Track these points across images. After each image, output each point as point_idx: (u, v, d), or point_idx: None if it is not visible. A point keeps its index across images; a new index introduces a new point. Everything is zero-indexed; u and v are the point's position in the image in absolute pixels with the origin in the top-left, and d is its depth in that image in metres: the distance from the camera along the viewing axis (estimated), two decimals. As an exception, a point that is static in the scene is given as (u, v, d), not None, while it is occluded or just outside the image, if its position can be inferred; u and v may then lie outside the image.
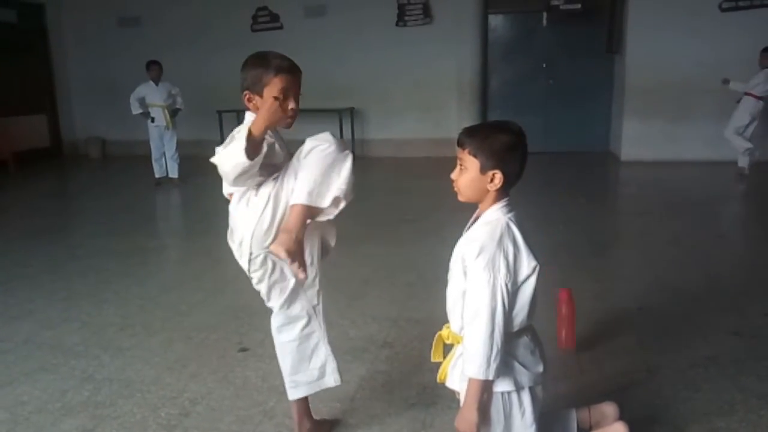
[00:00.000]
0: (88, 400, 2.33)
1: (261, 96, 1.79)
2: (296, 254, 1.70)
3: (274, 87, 1.77)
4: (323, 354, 1.99)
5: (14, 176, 8.07)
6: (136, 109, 6.96)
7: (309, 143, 1.82)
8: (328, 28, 8.99)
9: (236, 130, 1.74)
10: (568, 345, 2.65)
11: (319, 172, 1.76)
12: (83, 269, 3.96)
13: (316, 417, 2.08)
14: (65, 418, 2.22)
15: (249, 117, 1.83)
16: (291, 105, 1.80)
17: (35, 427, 2.17)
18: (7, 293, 3.53)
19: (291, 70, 1.80)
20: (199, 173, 7.00)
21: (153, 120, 7.02)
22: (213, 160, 1.73)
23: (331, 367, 2.00)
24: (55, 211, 6.15)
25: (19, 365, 2.65)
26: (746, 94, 6.71)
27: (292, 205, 1.74)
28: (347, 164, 1.81)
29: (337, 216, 1.90)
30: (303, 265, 1.74)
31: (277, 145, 1.86)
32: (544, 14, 8.79)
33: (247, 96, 1.83)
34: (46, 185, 7.82)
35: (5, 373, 2.58)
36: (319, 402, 2.26)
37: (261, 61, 1.80)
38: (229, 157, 1.67)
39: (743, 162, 6.86)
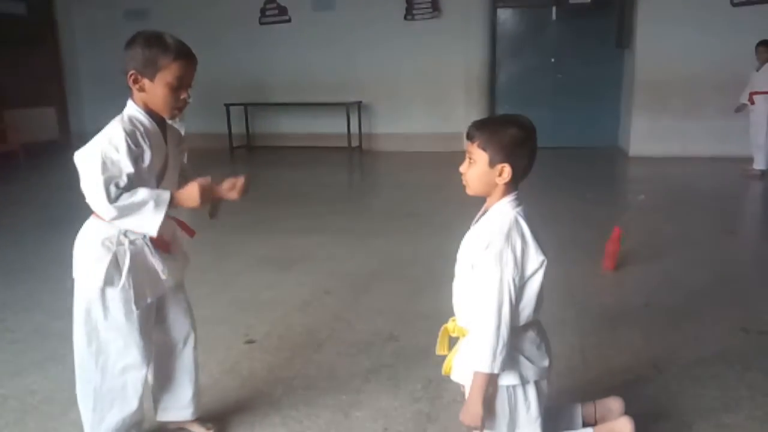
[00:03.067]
0: (96, 390, 2.34)
1: (152, 80, 1.65)
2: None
3: (169, 73, 1.64)
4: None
5: (23, 168, 8.12)
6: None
7: None
8: (336, 22, 8.98)
9: (112, 135, 1.62)
10: (608, 267, 3.61)
11: None
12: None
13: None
14: (74, 407, 2.21)
15: (131, 105, 1.71)
16: (183, 95, 1.69)
17: (44, 416, 2.19)
18: (17, 284, 3.56)
19: (190, 56, 1.67)
20: (207, 166, 7.01)
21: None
22: (105, 211, 1.60)
23: None
24: (64, 203, 6.17)
25: (29, 355, 2.67)
26: (754, 94, 6.60)
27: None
28: None
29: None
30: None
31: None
32: (554, 8, 8.74)
33: (134, 76, 1.65)
34: (55, 177, 7.86)
35: (15, 363, 2.60)
36: (326, 395, 2.28)
37: (157, 41, 1.64)
38: (136, 220, 1.62)
39: (760, 164, 6.69)
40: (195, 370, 2.02)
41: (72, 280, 1.82)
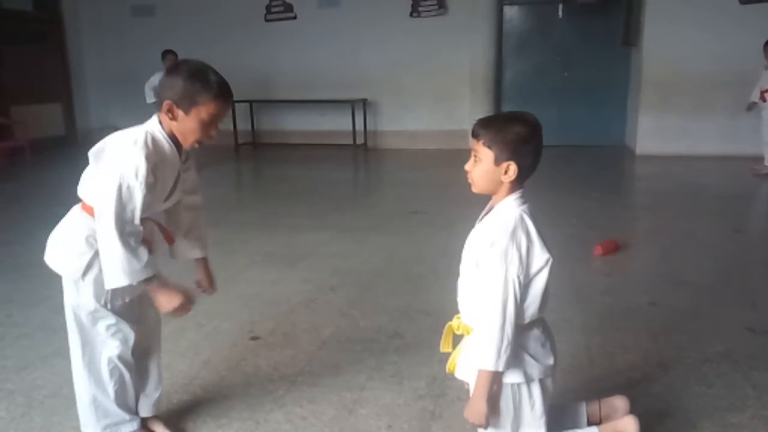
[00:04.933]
0: (101, 385, 2.36)
1: (186, 113, 1.64)
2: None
3: (206, 110, 1.63)
4: None
5: (30, 164, 8.15)
6: (150, 98, 6.99)
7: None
8: (342, 19, 8.97)
9: (133, 158, 1.59)
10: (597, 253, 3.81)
11: None
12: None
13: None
14: (79, 402, 2.25)
15: (156, 126, 1.69)
16: (213, 132, 1.69)
17: (50, 410, 2.21)
18: (23, 280, 3.58)
19: (229, 96, 1.67)
20: (212, 163, 7.06)
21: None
22: (107, 227, 1.60)
23: None
24: (70, 199, 6.19)
25: (35, 350, 2.69)
26: (766, 91, 6.54)
27: None
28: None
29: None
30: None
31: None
32: (560, 6, 8.71)
33: (169, 106, 1.64)
34: (61, 174, 7.88)
35: (22, 358, 2.62)
36: (330, 391, 2.28)
37: (201, 76, 1.62)
38: (112, 260, 1.62)
39: None
40: (159, 364, 2.04)
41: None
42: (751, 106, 6.78)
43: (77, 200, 1.84)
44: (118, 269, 1.61)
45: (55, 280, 1.90)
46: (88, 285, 1.76)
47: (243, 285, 3.44)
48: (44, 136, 9.11)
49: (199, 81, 1.62)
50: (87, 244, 1.73)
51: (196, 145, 1.73)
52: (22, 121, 8.49)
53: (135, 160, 1.60)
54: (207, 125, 1.67)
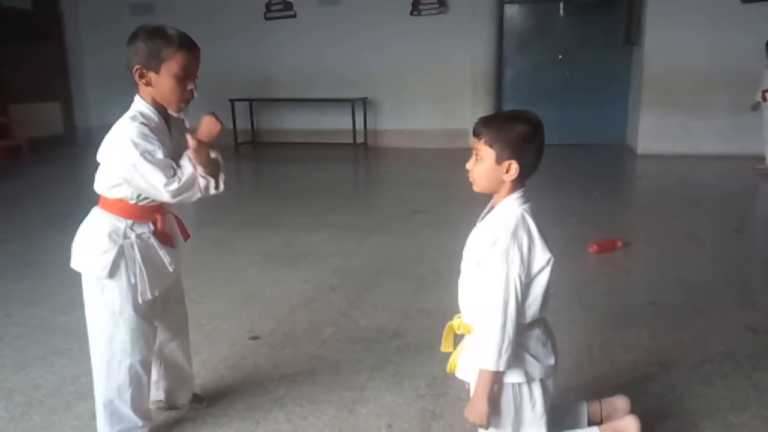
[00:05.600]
0: (101, 385, 2.35)
1: (157, 72, 1.65)
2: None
3: (174, 63, 1.63)
4: None
5: (29, 163, 8.14)
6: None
7: None
8: (342, 17, 8.95)
9: (131, 128, 1.65)
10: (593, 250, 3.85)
11: None
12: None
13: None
14: (78, 401, 2.24)
15: (138, 101, 1.72)
16: (190, 86, 1.69)
17: (49, 410, 2.20)
18: (23, 279, 3.57)
19: (193, 46, 1.67)
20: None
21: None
22: (170, 191, 1.65)
23: None
24: (70, 198, 6.20)
25: (34, 349, 2.68)
26: (767, 91, 6.53)
27: None
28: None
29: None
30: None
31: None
32: (561, 4, 8.70)
33: (139, 71, 1.66)
34: (61, 172, 7.88)
35: (20, 357, 2.61)
36: (330, 391, 2.27)
37: (159, 33, 1.64)
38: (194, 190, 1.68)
39: None
40: (190, 354, 2.12)
41: (79, 274, 1.83)
42: (756, 106, 6.76)
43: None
44: (198, 186, 1.67)
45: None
46: (114, 284, 1.76)
47: (243, 284, 3.43)
48: (43, 134, 9.11)
49: (158, 37, 1.64)
50: (110, 240, 1.74)
51: (183, 107, 1.73)
52: (21, 119, 8.48)
53: (136, 130, 1.65)
54: (182, 79, 1.67)
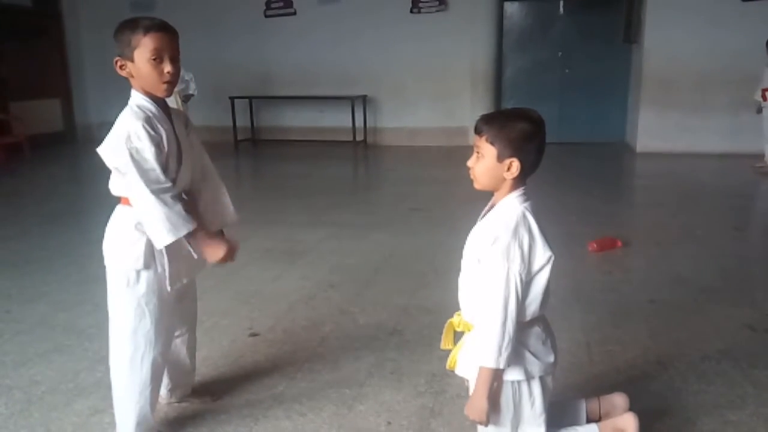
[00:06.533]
0: (100, 381, 2.35)
1: (132, 61, 1.68)
2: None
3: (144, 48, 1.66)
4: None
5: (29, 160, 8.14)
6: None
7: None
8: (342, 15, 8.94)
9: (129, 125, 1.67)
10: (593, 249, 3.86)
11: None
12: (97, 253, 3.97)
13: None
14: (78, 398, 2.24)
15: (134, 94, 1.75)
16: (167, 68, 1.68)
17: (48, 406, 2.20)
18: (23, 276, 3.57)
19: (162, 28, 1.69)
20: (211, 160, 6.99)
21: (166, 105, 7.07)
22: (141, 198, 1.67)
23: None
24: (69, 195, 6.20)
25: (34, 346, 2.68)
26: (766, 90, 6.52)
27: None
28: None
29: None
30: None
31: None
32: (561, 2, 8.69)
33: (119, 63, 1.71)
34: (60, 169, 7.88)
35: (20, 354, 2.61)
36: (329, 388, 2.28)
37: (129, 23, 1.69)
38: (154, 222, 1.67)
39: None
40: (195, 352, 2.18)
41: (93, 271, 1.85)
42: (760, 109, 6.74)
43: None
44: (161, 227, 1.66)
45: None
46: (143, 274, 1.79)
47: (242, 281, 3.43)
48: (43, 131, 9.10)
49: (127, 27, 1.69)
50: (138, 231, 1.76)
51: (167, 87, 1.73)
52: (21, 116, 8.47)
53: (129, 126, 1.68)
54: (156, 63, 1.68)
